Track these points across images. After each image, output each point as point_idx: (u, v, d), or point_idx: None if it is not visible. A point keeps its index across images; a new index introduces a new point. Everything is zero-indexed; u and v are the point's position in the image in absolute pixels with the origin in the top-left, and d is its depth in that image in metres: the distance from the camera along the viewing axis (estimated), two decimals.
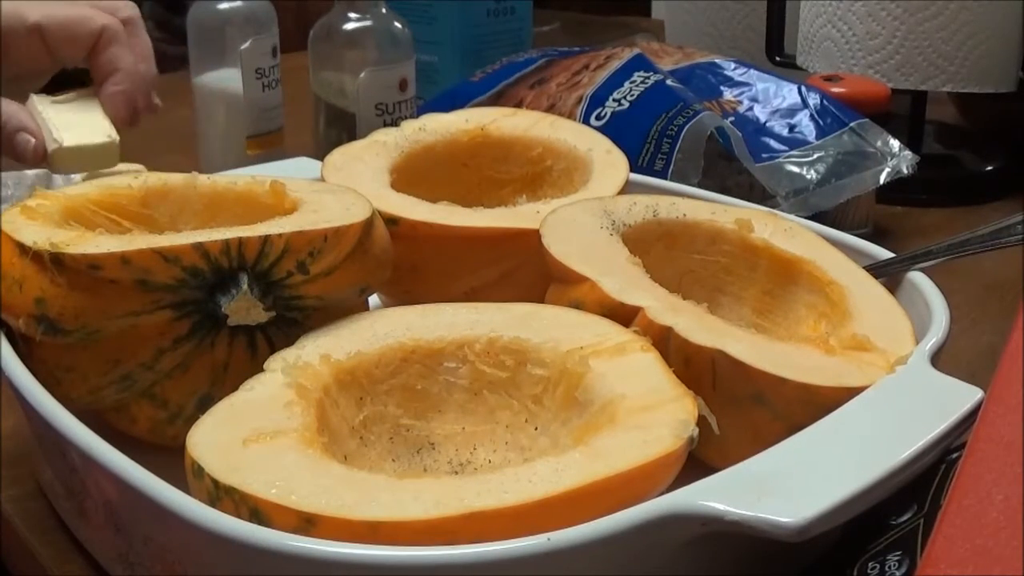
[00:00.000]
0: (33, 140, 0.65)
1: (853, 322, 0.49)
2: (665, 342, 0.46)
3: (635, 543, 0.35)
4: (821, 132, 0.79)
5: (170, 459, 0.41)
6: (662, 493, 0.37)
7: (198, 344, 0.47)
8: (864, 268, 0.54)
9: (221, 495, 0.37)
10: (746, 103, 0.83)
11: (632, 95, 0.79)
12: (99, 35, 0.69)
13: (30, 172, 0.80)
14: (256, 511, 0.36)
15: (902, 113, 0.93)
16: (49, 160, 0.65)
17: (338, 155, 0.63)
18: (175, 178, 0.55)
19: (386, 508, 0.36)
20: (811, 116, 0.80)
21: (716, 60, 0.88)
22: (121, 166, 0.80)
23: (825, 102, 0.81)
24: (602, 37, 1.11)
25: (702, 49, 0.94)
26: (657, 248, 0.55)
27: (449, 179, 0.66)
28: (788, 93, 0.83)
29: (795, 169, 0.77)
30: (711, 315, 0.47)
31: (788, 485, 0.37)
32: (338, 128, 0.86)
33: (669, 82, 0.80)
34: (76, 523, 0.48)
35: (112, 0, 0.73)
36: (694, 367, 0.45)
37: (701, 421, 0.41)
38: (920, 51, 0.91)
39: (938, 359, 0.46)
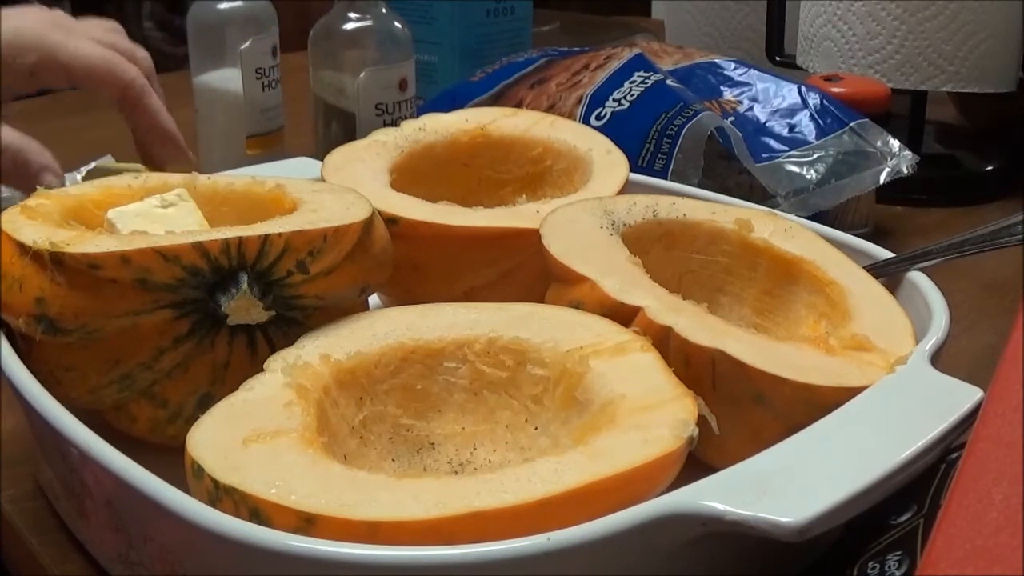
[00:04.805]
0: (57, 182, 0.66)
1: (853, 322, 0.49)
2: (665, 342, 0.46)
3: (635, 543, 0.35)
4: (821, 132, 0.79)
5: (170, 459, 0.41)
6: (662, 493, 0.37)
7: (198, 343, 0.47)
8: (864, 268, 0.54)
9: (221, 495, 0.37)
10: (746, 103, 0.83)
11: (632, 95, 0.79)
12: (127, 87, 0.72)
13: None
14: (256, 511, 0.36)
15: (902, 113, 0.93)
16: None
17: (338, 155, 0.63)
18: (175, 178, 0.55)
19: (386, 508, 0.36)
20: (811, 116, 0.80)
21: (716, 60, 0.88)
22: (121, 166, 0.80)
23: (825, 102, 0.81)
24: (602, 37, 1.11)
25: (702, 49, 0.94)
26: (657, 248, 0.55)
27: (449, 179, 0.66)
28: (788, 93, 0.83)
29: (795, 169, 0.77)
30: (711, 315, 0.47)
31: (788, 485, 0.37)
32: (338, 128, 0.86)
33: (669, 82, 0.80)
34: (76, 523, 0.48)
35: (128, 43, 0.76)
36: (694, 367, 0.45)
37: (701, 421, 0.41)
38: (920, 51, 0.91)
39: (938, 359, 0.46)
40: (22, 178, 0.68)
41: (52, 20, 0.73)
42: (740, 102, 0.83)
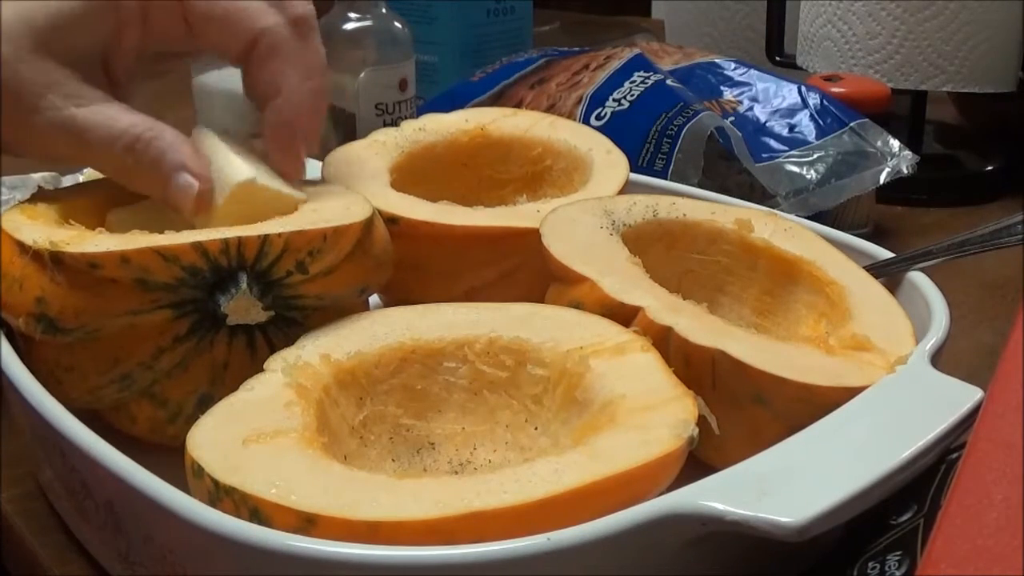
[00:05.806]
0: (197, 185, 0.50)
1: (853, 322, 0.49)
2: (665, 342, 0.46)
3: (635, 543, 0.35)
4: (821, 132, 0.79)
5: (170, 459, 0.41)
6: (662, 493, 0.37)
7: (197, 343, 0.47)
8: (864, 268, 0.54)
9: (221, 495, 0.37)
10: (746, 103, 0.83)
11: (632, 95, 0.79)
12: (257, 38, 0.54)
13: (36, 175, 0.80)
14: (256, 511, 0.36)
15: (902, 113, 0.93)
16: (226, 196, 0.50)
17: (338, 155, 0.63)
18: None
19: (386, 508, 0.36)
20: (811, 116, 0.80)
21: (716, 60, 0.88)
22: None
23: (825, 102, 0.81)
24: (602, 37, 1.11)
25: (702, 49, 0.94)
26: (657, 248, 0.55)
27: (449, 179, 0.66)
28: (788, 93, 0.83)
29: (795, 169, 0.77)
30: (711, 315, 0.47)
31: (788, 485, 0.37)
32: (338, 128, 0.86)
33: (669, 82, 0.80)
34: (76, 523, 0.48)
35: None
36: (694, 367, 0.45)
37: (701, 421, 0.41)
38: (920, 51, 0.91)
39: (938, 359, 0.46)
40: (151, 178, 0.51)
41: None
42: (740, 102, 0.83)
